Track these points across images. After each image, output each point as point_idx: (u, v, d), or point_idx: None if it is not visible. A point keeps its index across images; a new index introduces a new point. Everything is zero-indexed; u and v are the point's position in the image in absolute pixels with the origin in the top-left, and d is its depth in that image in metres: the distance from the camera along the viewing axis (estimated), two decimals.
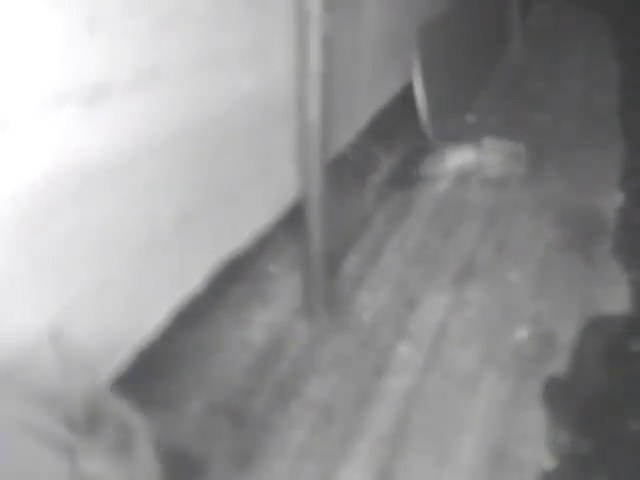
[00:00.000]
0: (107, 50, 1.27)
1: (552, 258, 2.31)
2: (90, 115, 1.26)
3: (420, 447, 1.60)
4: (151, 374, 1.58)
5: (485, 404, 1.72)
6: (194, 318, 1.76)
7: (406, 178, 2.72)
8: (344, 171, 2.23)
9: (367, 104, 2.65)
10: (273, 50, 1.86)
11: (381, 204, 2.53)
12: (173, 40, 1.46)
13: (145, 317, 1.52)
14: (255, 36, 1.79)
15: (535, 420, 1.68)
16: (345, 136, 2.40)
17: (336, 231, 2.00)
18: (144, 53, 1.38)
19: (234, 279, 1.90)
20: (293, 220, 2.00)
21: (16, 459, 1.17)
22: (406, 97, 2.84)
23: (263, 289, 2.01)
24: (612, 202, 2.64)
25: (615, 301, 2.10)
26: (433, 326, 1.98)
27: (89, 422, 1.17)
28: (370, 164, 2.67)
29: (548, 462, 1.58)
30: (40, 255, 1.20)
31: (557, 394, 1.75)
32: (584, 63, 4.21)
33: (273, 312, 1.96)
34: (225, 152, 1.74)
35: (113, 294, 1.40)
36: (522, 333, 1.96)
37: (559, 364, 1.86)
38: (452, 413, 1.70)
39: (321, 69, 1.71)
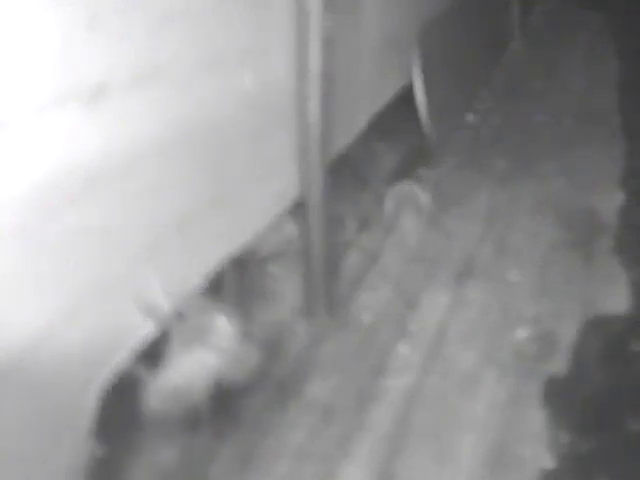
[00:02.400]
0: (107, 50, 1.27)
1: (552, 258, 2.31)
2: (90, 115, 1.26)
3: (420, 447, 1.60)
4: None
5: (485, 404, 1.72)
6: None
7: (406, 178, 2.72)
8: (344, 171, 2.23)
9: (367, 104, 2.64)
10: (273, 50, 1.86)
11: (381, 204, 2.53)
12: (173, 40, 1.46)
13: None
14: (255, 36, 1.79)
15: (535, 420, 1.68)
16: (345, 136, 2.40)
17: (336, 231, 2.00)
18: (144, 53, 1.38)
19: (234, 279, 1.90)
20: (293, 220, 2.00)
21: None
22: (406, 97, 2.84)
23: (263, 289, 2.01)
24: (612, 202, 2.64)
25: (615, 301, 2.10)
26: (433, 326, 1.98)
27: None
28: (370, 164, 2.67)
29: (548, 462, 1.58)
30: (40, 255, 1.20)
31: (557, 394, 1.76)
32: (584, 62, 4.21)
33: (273, 312, 1.96)
34: (225, 152, 1.74)
35: (113, 294, 1.40)
36: (522, 333, 1.96)
37: (559, 364, 1.86)
38: (452, 413, 1.70)
39: (321, 69, 1.71)
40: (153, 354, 1.52)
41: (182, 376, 1.55)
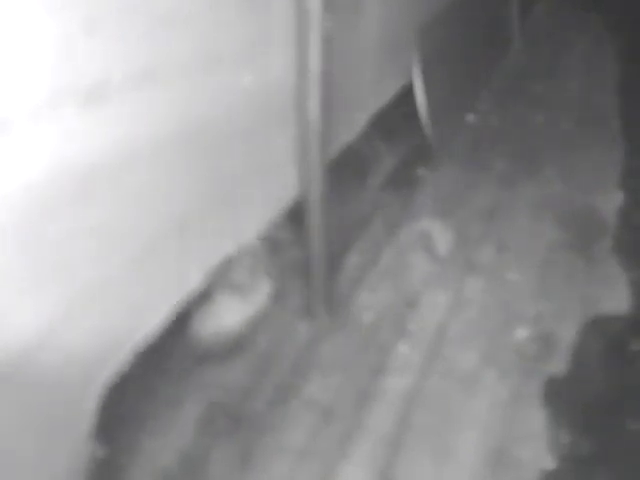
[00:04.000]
0: (104, 51, 1.27)
1: (552, 258, 2.31)
2: (88, 115, 1.25)
3: (420, 447, 1.60)
4: (151, 373, 1.59)
5: (485, 404, 1.73)
6: (194, 318, 1.76)
7: (406, 178, 2.72)
8: (344, 171, 2.23)
9: (367, 104, 2.64)
10: (273, 50, 1.86)
11: (381, 204, 2.53)
12: (171, 40, 1.46)
13: (145, 317, 1.52)
14: (254, 36, 1.79)
15: (535, 420, 1.68)
16: (345, 136, 2.40)
17: (336, 231, 2.00)
18: (142, 53, 1.38)
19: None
20: (293, 220, 2.00)
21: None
22: (406, 97, 2.84)
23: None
24: (612, 202, 2.64)
25: (615, 301, 2.10)
26: (433, 326, 1.98)
27: None
28: (370, 164, 2.67)
29: (548, 462, 1.58)
30: (39, 255, 1.20)
31: (557, 394, 1.76)
32: (584, 63, 4.21)
33: (273, 312, 1.96)
34: (225, 152, 1.74)
35: (113, 294, 1.40)
36: (522, 333, 1.96)
37: (559, 364, 1.86)
38: (452, 413, 1.70)
39: (321, 69, 1.71)
40: (200, 301, 1.73)
41: (222, 321, 1.82)
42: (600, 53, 4.35)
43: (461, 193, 2.68)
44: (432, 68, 2.87)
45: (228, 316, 1.87)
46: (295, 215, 1.99)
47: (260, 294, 1.93)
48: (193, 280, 1.67)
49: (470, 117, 3.35)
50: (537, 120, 3.37)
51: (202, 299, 1.72)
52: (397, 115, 2.76)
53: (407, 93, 2.84)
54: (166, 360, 1.66)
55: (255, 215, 1.92)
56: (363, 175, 2.61)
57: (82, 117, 1.24)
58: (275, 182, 1.98)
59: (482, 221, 2.51)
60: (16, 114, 1.11)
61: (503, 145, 3.10)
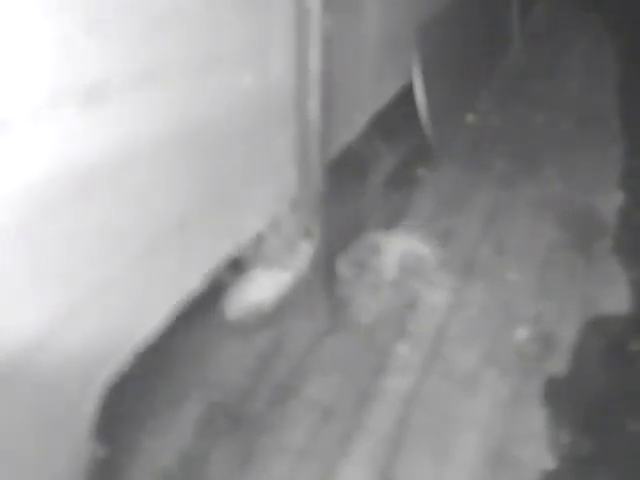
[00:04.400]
0: (104, 51, 1.27)
1: (552, 258, 2.32)
2: (88, 115, 1.25)
3: (420, 447, 1.60)
4: (152, 374, 1.59)
5: (485, 404, 1.73)
6: (195, 318, 1.76)
7: (406, 178, 2.72)
8: (344, 171, 2.23)
9: (367, 104, 2.64)
10: (273, 50, 1.85)
11: (381, 204, 2.53)
12: (170, 40, 1.46)
13: (145, 317, 1.52)
14: (254, 36, 1.78)
15: (535, 420, 1.68)
16: (345, 136, 2.40)
17: (336, 231, 2.00)
18: (141, 54, 1.38)
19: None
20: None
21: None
22: (406, 97, 2.84)
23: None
24: (612, 202, 2.64)
25: (615, 301, 2.11)
26: (433, 326, 1.98)
27: None
28: (370, 164, 2.67)
29: (548, 462, 1.58)
30: (40, 256, 1.20)
31: (557, 394, 1.76)
32: (584, 63, 4.21)
33: (273, 312, 1.96)
34: (225, 152, 1.74)
35: (113, 294, 1.40)
36: (522, 333, 1.96)
37: (559, 364, 1.86)
38: (452, 413, 1.70)
39: (321, 69, 1.71)
40: (238, 267, 1.79)
41: (257, 289, 1.87)
42: (600, 53, 4.34)
43: (461, 193, 2.68)
44: (432, 68, 2.87)
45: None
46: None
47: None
48: (193, 280, 1.67)
49: (470, 117, 3.35)
50: (537, 120, 3.37)
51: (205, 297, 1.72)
52: (397, 115, 2.76)
53: (407, 93, 2.83)
54: (166, 360, 1.66)
55: (255, 215, 1.92)
56: (363, 175, 2.61)
57: (82, 117, 1.24)
58: (275, 182, 1.97)
59: (482, 221, 2.51)
60: (16, 114, 1.11)
61: (503, 145, 3.10)
